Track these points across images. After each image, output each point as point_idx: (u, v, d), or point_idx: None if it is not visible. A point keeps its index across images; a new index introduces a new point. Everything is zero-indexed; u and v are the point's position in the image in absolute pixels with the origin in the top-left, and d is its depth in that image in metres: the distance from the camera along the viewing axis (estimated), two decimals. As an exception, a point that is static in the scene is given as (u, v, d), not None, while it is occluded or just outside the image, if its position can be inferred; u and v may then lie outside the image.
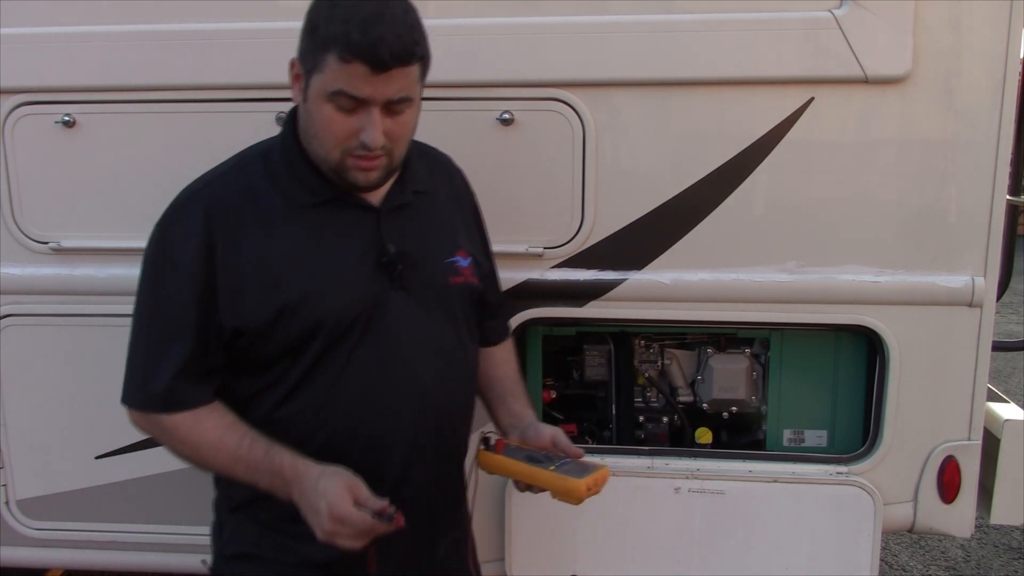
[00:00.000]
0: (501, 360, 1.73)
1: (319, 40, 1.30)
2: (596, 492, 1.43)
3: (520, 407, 1.65)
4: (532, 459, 1.47)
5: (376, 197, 1.48)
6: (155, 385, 1.41)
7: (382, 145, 1.35)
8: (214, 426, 1.42)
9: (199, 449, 1.43)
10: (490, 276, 1.70)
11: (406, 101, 1.34)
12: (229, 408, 1.46)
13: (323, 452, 1.40)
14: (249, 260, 1.40)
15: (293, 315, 1.39)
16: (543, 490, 1.45)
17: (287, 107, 1.97)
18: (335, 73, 1.29)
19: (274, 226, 1.42)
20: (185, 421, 1.42)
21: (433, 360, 1.49)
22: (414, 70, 1.33)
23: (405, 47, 1.28)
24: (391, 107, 1.33)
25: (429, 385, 1.48)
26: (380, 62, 1.26)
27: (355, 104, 1.31)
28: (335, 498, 1.27)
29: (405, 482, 1.48)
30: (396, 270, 1.45)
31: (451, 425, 1.55)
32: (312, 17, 1.33)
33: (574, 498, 1.40)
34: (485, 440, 1.53)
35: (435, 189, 1.59)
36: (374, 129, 1.32)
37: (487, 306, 1.70)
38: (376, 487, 1.39)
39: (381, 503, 1.28)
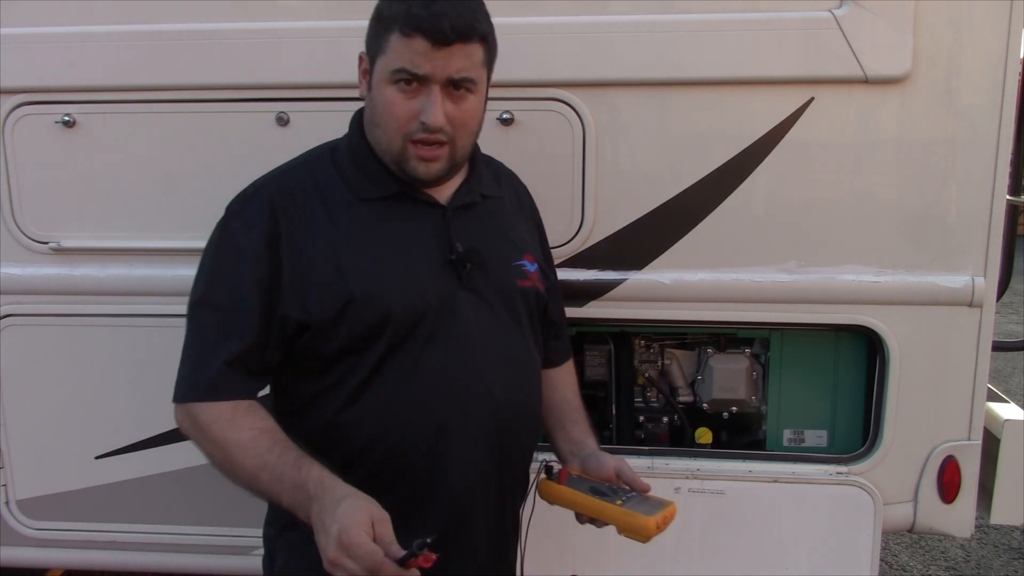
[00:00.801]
0: (561, 383, 1.68)
1: (383, 23, 1.32)
2: (664, 530, 1.37)
3: (581, 434, 1.58)
4: (597, 491, 1.40)
5: (443, 195, 1.45)
6: (203, 373, 1.35)
7: (443, 128, 1.33)
8: (249, 426, 1.33)
9: (229, 450, 1.32)
10: (553, 290, 1.66)
11: (468, 83, 1.33)
12: (282, 413, 1.41)
13: (387, 459, 1.37)
14: (315, 253, 1.36)
15: (359, 309, 1.34)
16: (607, 524, 1.39)
17: (287, 107, 2.01)
18: (397, 52, 1.30)
19: (340, 219, 1.39)
20: (223, 414, 1.34)
21: (503, 366, 1.44)
22: (476, 51, 1.32)
23: (466, 22, 1.29)
24: (453, 90, 1.32)
25: (498, 391, 1.42)
26: (440, 35, 1.26)
27: (417, 83, 1.31)
28: (350, 523, 1.13)
29: (466, 490, 1.42)
30: (465, 269, 1.41)
31: (517, 436, 1.48)
32: (378, 7, 1.35)
33: (643, 536, 1.34)
34: (548, 469, 1.46)
35: (501, 195, 1.57)
36: (435, 107, 1.30)
37: (550, 324, 1.65)
38: (437, 493, 1.36)
39: (401, 551, 1.12)
